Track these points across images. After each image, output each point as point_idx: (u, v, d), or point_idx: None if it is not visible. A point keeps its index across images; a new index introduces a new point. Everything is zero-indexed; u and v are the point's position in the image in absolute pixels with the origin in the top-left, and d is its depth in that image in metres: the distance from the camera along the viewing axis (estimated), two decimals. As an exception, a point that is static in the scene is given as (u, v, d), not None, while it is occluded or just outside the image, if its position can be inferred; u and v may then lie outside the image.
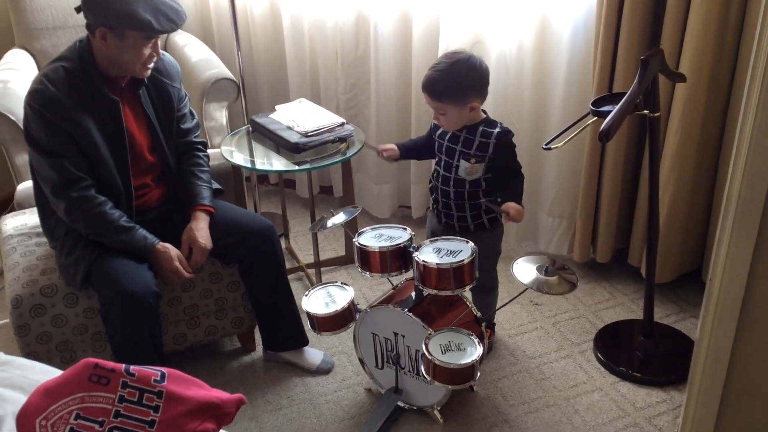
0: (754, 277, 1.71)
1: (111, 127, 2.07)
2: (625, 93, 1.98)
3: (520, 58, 2.70)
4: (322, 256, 3.00)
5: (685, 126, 2.35)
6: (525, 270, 2.10)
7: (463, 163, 2.14)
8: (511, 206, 2.10)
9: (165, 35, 3.24)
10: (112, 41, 1.97)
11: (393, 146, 2.35)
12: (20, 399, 1.47)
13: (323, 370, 2.43)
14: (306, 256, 3.07)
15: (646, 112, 2.05)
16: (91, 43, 2.02)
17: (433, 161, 2.29)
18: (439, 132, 2.22)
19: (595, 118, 2.10)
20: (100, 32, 1.97)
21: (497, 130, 2.12)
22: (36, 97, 1.99)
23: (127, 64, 2.03)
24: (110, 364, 1.35)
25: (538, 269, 2.08)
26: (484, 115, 2.17)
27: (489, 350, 2.38)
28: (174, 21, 2.00)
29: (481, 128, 2.13)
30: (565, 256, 2.90)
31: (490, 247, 2.28)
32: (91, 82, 2.02)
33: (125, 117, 2.10)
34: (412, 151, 2.38)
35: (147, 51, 2.01)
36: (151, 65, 2.07)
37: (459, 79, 2.05)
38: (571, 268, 2.11)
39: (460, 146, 2.15)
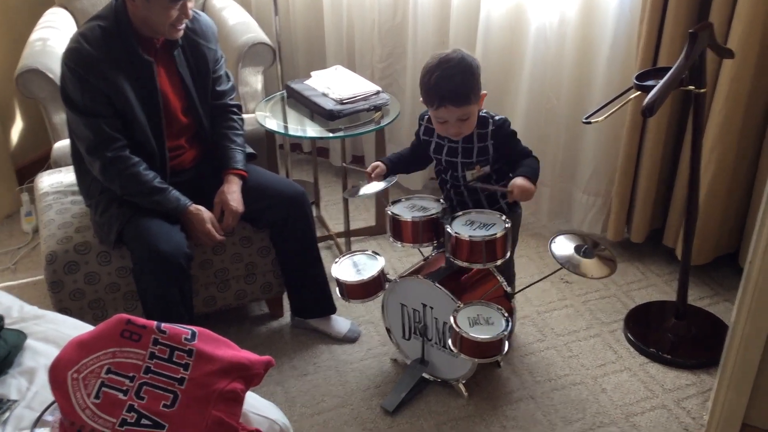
0: (796, 261, 1.66)
1: (145, 87, 2.07)
2: (670, 68, 1.92)
3: (561, 30, 2.63)
4: (353, 226, 2.99)
5: (731, 104, 2.28)
6: (562, 249, 2.07)
7: (468, 173, 2.06)
8: (515, 184, 1.94)
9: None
10: (140, 1, 1.97)
11: (379, 163, 2.17)
12: (53, 352, 1.50)
13: (350, 339, 2.43)
14: (336, 225, 3.06)
15: (691, 87, 1.99)
16: (126, 3, 2.01)
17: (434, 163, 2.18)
18: (433, 146, 2.10)
19: (638, 92, 2.04)
20: None
21: (491, 128, 2.01)
22: (72, 56, 2.00)
23: (156, 25, 2.01)
24: (142, 320, 1.37)
25: (576, 249, 2.04)
26: None
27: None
28: None
29: (476, 132, 2.01)
30: (598, 234, 2.86)
31: None
32: (126, 42, 2.02)
33: (159, 78, 2.10)
34: (399, 164, 2.21)
35: (174, 13, 2.00)
36: (182, 27, 2.06)
37: (475, 72, 1.92)
38: (609, 248, 2.07)
39: (460, 158, 2.05)
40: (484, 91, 1.99)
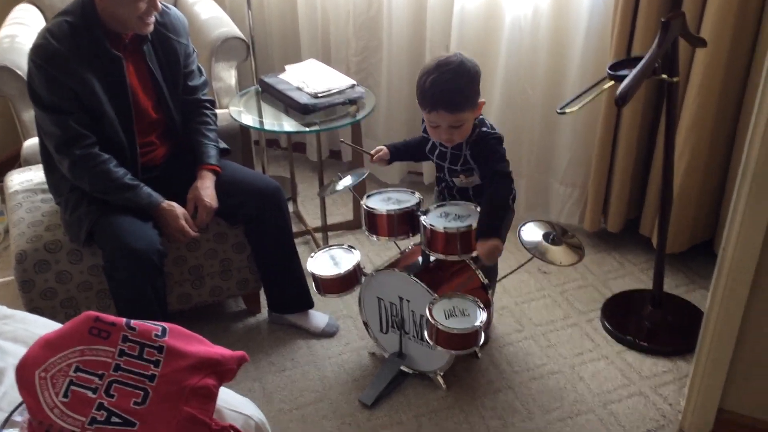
0: (768, 246, 1.67)
1: (114, 83, 2.03)
2: (644, 57, 1.92)
3: (536, 21, 2.63)
4: (330, 221, 2.97)
5: (704, 93, 2.29)
6: (531, 236, 2.07)
7: (455, 180, 2.05)
8: (480, 252, 1.86)
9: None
10: None
11: (383, 147, 2.16)
12: (21, 352, 1.46)
13: (328, 333, 2.42)
14: (313, 220, 3.05)
15: (664, 76, 1.99)
16: None
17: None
18: (428, 146, 2.07)
19: (612, 82, 2.04)
20: None
21: (473, 137, 1.96)
22: (39, 53, 1.96)
23: (124, 19, 1.98)
24: (111, 317, 1.34)
25: (544, 237, 2.05)
26: None
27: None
28: None
29: (466, 139, 1.98)
30: (575, 225, 2.86)
31: None
32: (94, 38, 1.99)
33: (129, 74, 2.06)
34: (405, 153, 2.18)
35: (142, 5, 1.97)
36: (151, 20, 2.03)
37: (473, 79, 1.87)
38: (577, 236, 2.07)
39: (447, 163, 2.03)
40: (482, 99, 1.93)
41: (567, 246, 2.02)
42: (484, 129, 1.97)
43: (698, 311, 2.40)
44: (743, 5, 2.17)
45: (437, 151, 2.06)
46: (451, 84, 1.85)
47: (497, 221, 1.89)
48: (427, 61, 1.94)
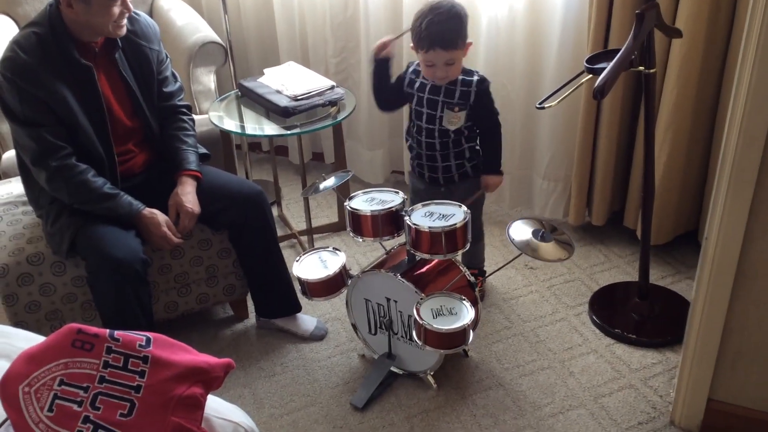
0: (750, 235, 1.68)
1: (87, 93, 2.01)
2: (621, 50, 1.93)
3: (512, 18, 2.63)
4: (315, 223, 2.97)
5: (682, 83, 2.31)
6: (520, 234, 2.07)
7: (448, 113, 2.15)
8: (489, 182, 2.26)
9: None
10: (78, 7, 1.92)
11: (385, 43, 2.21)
12: (4, 366, 1.45)
13: (317, 337, 2.41)
14: (299, 223, 3.04)
15: (641, 68, 2.00)
16: (60, 8, 1.96)
17: (407, 118, 2.30)
18: (417, 85, 2.20)
19: (590, 75, 2.05)
20: (64, 1, 1.92)
21: (476, 78, 2.15)
22: (7, 65, 1.94)
23: (100, 27, 1.97)
24: (94, 329, 1.33)
25: (534, 234, 2.05)
26: None
27: (481, 299, 2.36)
28: None
29: (460, 77, 2.15)
30: (560, 219, 2.87)
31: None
32: (63, 48, 1.96)
33: (100, 82, 2.04)
34: (385, 84, 2.28)
35: (116, 9, 1.95)
36: (125, 22, 2.02)
37: (463, 20, 2.06)
38: (566, 233, 2.08)
39: (442, 97, 2.15)
40: (470, 41, 2.09)
41: (557, 242, 2.03)
42: (482, 75, 2.17)
43: (685, 301, 2.41)
44: (717, -5, 2.19)
45: (429, 86, 2.17)
46: (444, 24, 2.03)
47: (498, 161, 2.27)
48: (420, 7, 2.11)
